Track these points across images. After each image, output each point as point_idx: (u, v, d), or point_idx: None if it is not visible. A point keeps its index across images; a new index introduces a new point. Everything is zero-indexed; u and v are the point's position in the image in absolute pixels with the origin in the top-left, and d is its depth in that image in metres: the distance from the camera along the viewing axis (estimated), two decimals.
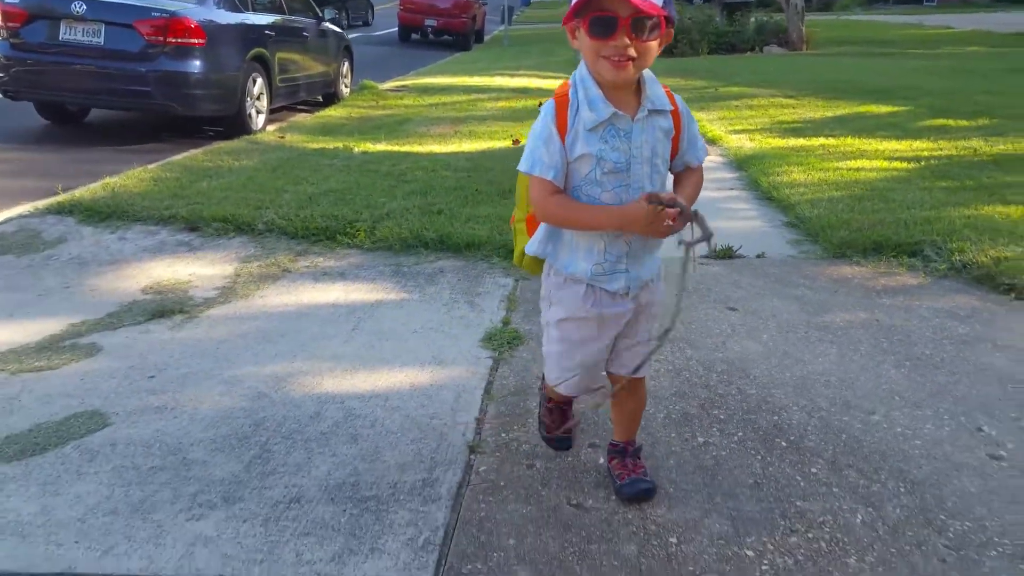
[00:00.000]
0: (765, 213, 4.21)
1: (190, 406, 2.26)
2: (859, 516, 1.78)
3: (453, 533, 1.72)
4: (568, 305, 1.67)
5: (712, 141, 6.17)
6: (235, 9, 6.83)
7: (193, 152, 5.74)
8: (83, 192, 4.38)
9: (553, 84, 9.68)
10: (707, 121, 7.13)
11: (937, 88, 8.90)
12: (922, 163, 5.17)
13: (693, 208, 1.49)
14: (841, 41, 17.44)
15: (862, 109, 7.54)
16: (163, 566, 1.62)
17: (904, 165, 5.13)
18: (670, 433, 2.13)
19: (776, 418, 2.20)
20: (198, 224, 3.89)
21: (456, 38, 19.36)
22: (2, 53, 6.12)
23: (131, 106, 6.52)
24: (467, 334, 2.76)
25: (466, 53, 17.61)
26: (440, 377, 2.45)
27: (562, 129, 1.54)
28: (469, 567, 1.62)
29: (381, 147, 5.97)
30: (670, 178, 1.67)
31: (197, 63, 6.14)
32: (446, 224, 3.83)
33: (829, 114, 7.38)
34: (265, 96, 7.13)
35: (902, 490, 1.88)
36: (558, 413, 1.99)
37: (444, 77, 11.43)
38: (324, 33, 8.71)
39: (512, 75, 11.59)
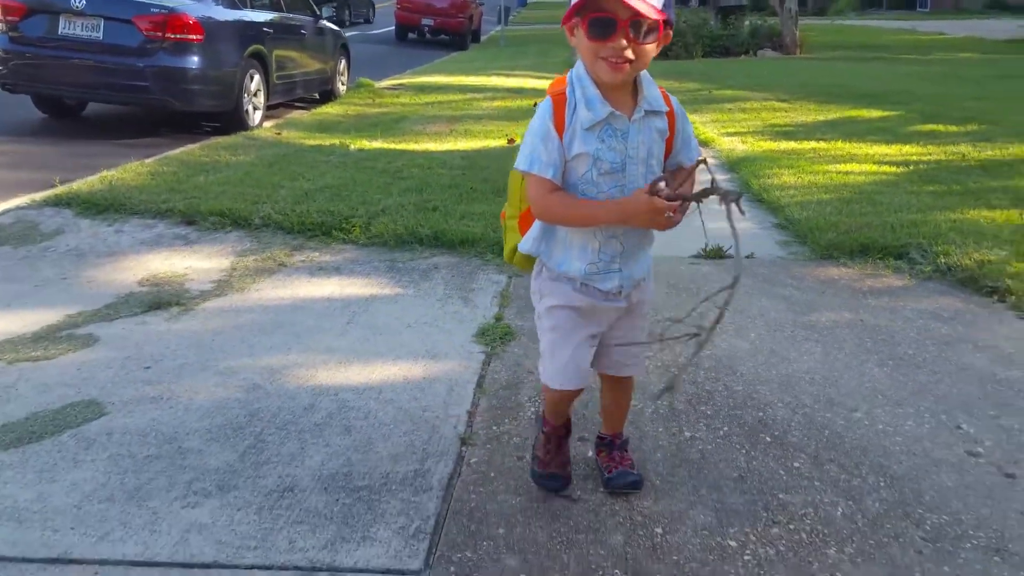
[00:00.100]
0: (755, 215, 4.27)
1: (186, 396, 2.29)
2: (839, 509, 1.83)
3: (444, 522, 1.76)
4: (560, 295, 1.67)
5: (705, 143, 6.21)
6: (233, 6, 6.86)
7: (190, 147, 5.77)
8: (80, 185, 4.40)
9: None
10: (700, 123, 7.18)
11: (928, 93, 8.98)
12: (911, 167, 5.23)
13: (722, 187, 1.41)
14: (835, 45, 17.54)
15: (853, 113, 7.61)
16: (158, 552, 1.65)
17: (893, 169, 5.20)
18: (658, 428, 2.18)
19: (761, 414, 2.25)
20: (195, 218, 3.92)
21: (453, 38, 19.37)
22: (1, 47, 6.13)
23: (129, 101, 6.54)
24: (460, 329, 2.80)
25: (463, 53, 17.63)
26: (433, 371, 2.48)
27: (560, 127, 1.54)
28: (459, 555, 1.66)
29: (377, 144, 6.00)
30: None
31: (195, 59, 6.17)
32: (441, 221, 3.87)
33: (821, 118, 7.44)
34: (262, 93, 7.16)
35: (881, 484, 1.93)
36: (555, 443, 1.88)
37: (440, 76, 11.46)
38: (321, 31, 8.74)
39: (508, 75, 11.63)
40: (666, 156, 1.63)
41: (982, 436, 2.15)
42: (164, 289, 3.12)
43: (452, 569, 1.62)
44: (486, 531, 1.74)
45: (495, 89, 9.92)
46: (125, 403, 2.25)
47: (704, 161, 1.52)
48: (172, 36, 6.03)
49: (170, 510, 1.78)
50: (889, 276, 3.39)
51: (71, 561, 1.62)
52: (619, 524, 1.77)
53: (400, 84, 10.43)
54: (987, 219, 3.96)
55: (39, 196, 4.25)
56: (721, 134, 6.67)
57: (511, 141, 6.05)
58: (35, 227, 3.82)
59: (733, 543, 1.71)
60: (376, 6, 25.24)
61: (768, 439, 2.12)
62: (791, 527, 1.77)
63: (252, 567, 1.61)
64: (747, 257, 3.46)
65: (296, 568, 1.61)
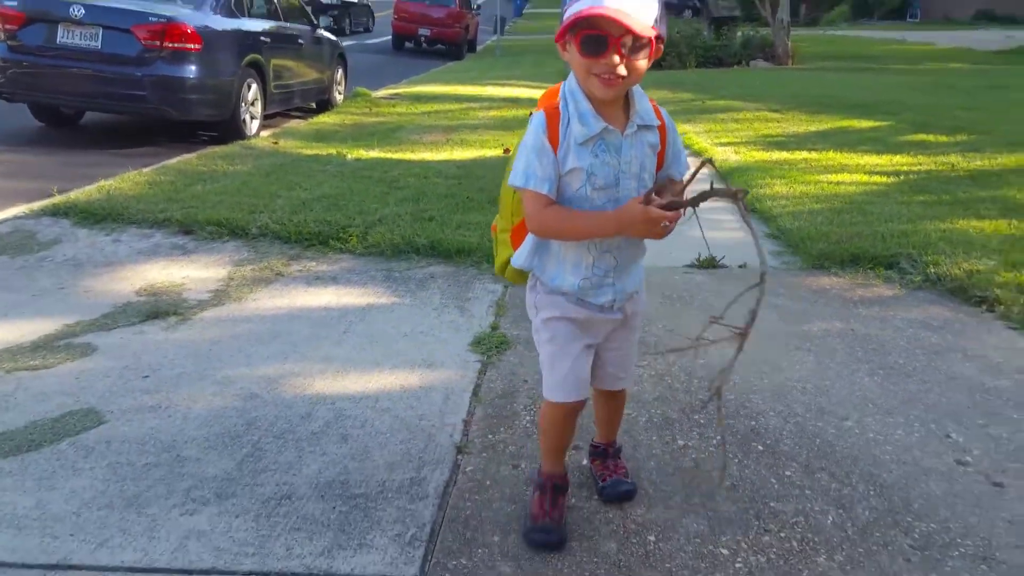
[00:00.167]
0: None
1: (184, 405, 2.31)
2: (830, 517, 1.86)
3: (439, 530, 1.78)
4: (556, 307, 1.68)
5: (698, 153, 6.27)
6: (231, 15, 6.90)
7: (187, 156, 5.79)
8: (78, 194, 4.42)
9: None
10: (693, 133, 7.24)
11: (918, 104, 9.07)
12: (901, 177, 5.29)
13: (734, 189, 1.42)
14: (826, 56, 17.68)
15: (844, 124, 7.68)
16: (157, 558, 1.67)
17: (883, 179, 5.25)
18: (651, 436, 2.20)
19: (753, 423, 2.28)
20: (192, 227, 3.94)
21: (449, 47, 19.50)
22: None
23: (127, 110, 6.56)
24: (456, 338, 2.82)
25: (459, 62, 17.73)
26: (429, 379, 2.51)
27: (554, 142, 1.53)
28: (454, 562, 1.68)
29: (374, 154, 6.04)
30: None
31: (193, 68, 6.20)
32: (437, 230, 3.90)
33: (812, 128, 7.51)
34: (260, 102, 7.19)
35: (871, 493, 1.96)
36: (551, 494, 1.80)
37: (437, 86, 11.52)
38: (319, 40, 8.79)
39: (503, 85, 11.70)
40: (656, 170, 1.65)
41: (971, 445, 2.18)
42: (162, 299, 3.14)
43: None
44: (481, 538, 1.76)
45: (491, 99, 9.97)
46: (123, 412, 2.26)
47: (711, 161, 1.51)
48: (170, 45, 6.06)
49: (168, 517, 1.80)
50: (880, 286, 3.43)
51: (70, 567, 1.64)
52: (613, 532, 1.80)
53: (397, 94, 10.48)
54: (976, 229, 4.01)
55: (36, 205, 4.27)
56: (714, 144, 6.73)
57: (507, 151, 6.09)
58: (32, 237, 3.84)
59: (725, 551, 1.74)
60: (376, 15, 25.36)
61: (760, 448, 2.15)
62: (782, 535, 1.79)
63: (250, 573, 1.63)
64: (740, 267, 3.50)
65: (293, 574, 1.63)
